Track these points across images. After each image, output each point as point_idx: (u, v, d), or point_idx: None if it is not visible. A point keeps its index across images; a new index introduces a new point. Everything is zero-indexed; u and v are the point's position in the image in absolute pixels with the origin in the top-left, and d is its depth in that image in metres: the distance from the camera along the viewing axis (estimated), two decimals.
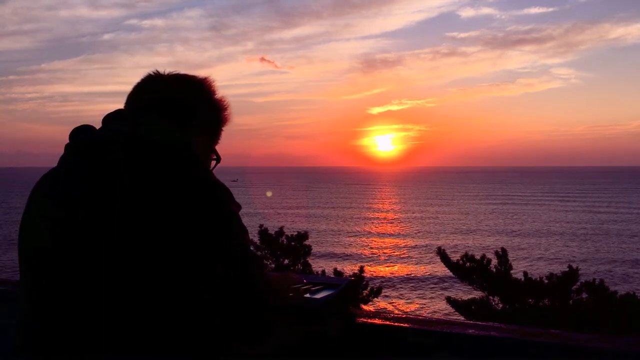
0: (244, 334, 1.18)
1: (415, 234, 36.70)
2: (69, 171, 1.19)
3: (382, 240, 33.86)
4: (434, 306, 17.81)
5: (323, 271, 9.88)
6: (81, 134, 1.21)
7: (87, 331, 1.08)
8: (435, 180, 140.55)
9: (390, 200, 70.82)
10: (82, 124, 1.25)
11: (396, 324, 1.50)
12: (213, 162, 1.41)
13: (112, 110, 1.29)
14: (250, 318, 1.17)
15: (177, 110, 1.28)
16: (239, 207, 1.23)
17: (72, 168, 1.18)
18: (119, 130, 1.18)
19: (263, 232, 9.75)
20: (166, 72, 1.34)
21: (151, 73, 1.34)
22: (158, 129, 1.20)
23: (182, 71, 1.37)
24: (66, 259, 1.10)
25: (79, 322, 1.09)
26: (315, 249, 11.30)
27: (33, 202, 1.21)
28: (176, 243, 1.08)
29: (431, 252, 23.33)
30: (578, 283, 7.60)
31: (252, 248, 1.25)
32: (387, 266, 25.09)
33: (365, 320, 1.52)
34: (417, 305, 18.26)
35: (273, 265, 9.34)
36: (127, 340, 1.07)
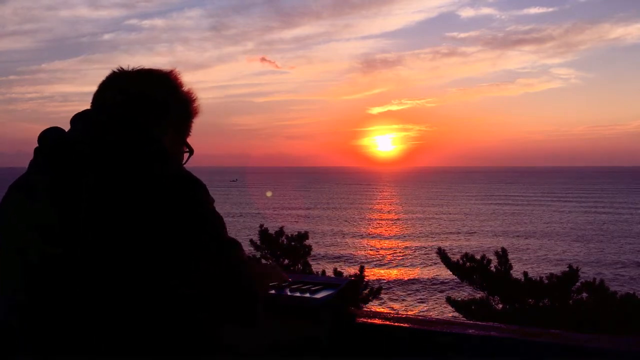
0: (234, 321, 1.19)
1: (416, 235, 36.51)
2: (37, 172, 1.19)
3: (382, 242, 33.68)
4: (435, 311, 17.76)
5: (323, 271, 9.87)
6: (47, 136, 1.21)
7: (67, 332, 1.08)
8: (435, 180, 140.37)
9: (390, 201, 70.73)
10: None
11: (396, 324, 1.50)
12: (186, 155, 1.40)
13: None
14: (239, 306, 1.17)
15: (141, 105, 1.26)
16: (212, 200, 1.22)
17: (39, 170, 1.18)
18: (83, 130, 1.18)
19: (263, 232, 9.74)
20: (129, 68, 1.32)
21: (115, 70, 1.31)
22: (122, 126, 1.19)
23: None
24: (40, 259, 1.11)
25: (58, 323, 1.09)
26: (315, 251, 11.27)
27: (9, 203, 1.21)
28: (148, 240, 1.08)
29: (432, 254, 23.27)
30: (578, 283, 7.59)
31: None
32: (388, 269, 24.96)
33: (365, 320, 1.52)
34: (419, 310, 18.22)
35: None
36: (108, 339, 1.07)
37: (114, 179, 1.10)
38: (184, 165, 1.39)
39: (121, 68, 1.31)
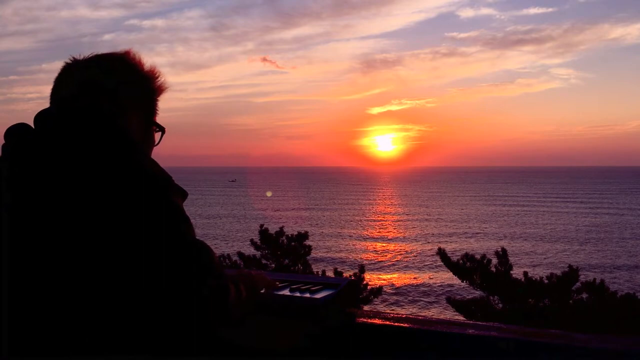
0: (201, 321, 1.13)
1: (417, 237, 36.22)
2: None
3: (383, 244, 33.50)
4: (435, 311, 17.74)
5: (323, 271, 9.88)
6: (12, 131, 1.19)
7: (61, 331, 1.06)
8: (435, 180, 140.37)
9: (390, 202, 70.71)
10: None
11: (396, 324, 1.49)
12: (158, 135, 1.36)
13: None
14: (204, 305, 1.12)
15: (98, 94, 1.22)
16: (185, 194, 1.19)
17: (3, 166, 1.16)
18: (46, 126, 1.16)
19: (263, 232, 9.74)
20: (81, 57, 1.28)
21: (67, 61, 1.28)
22: (82, 118, 1.16)
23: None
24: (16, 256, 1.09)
25: (50, 322, 1.06)
26: (315, 253, 11.24)
27: None
28: (126, 235, 1.05)
29: (433, 256, 23.18)
30: (578, 283, 7.60)
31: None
32: (388, 272, 24.78)
33: (365, 320, 1.52)
34: (419, 311, 18.20)
35: (273, 265, 9.34)
36: (102, 339, 1.05)
37: (83, 174, 1.08)
38: (159, 144, 1.37)
39: (73, 58, 1.28)
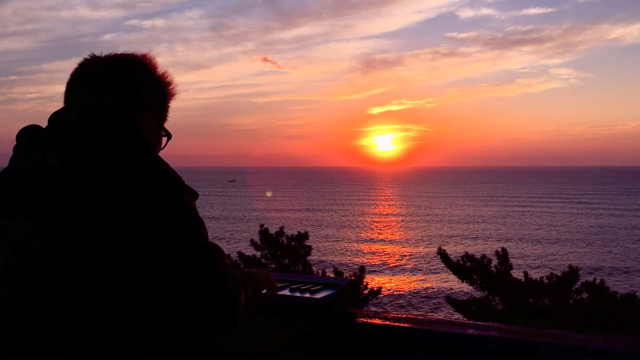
0: (210, 325, 1.12)
1: (418, 238, 35.98)
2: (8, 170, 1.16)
3: (383, 246, 33.25)
4: (435, 312, 17.71)
5: (323, 271, 9.87)
6: (27, 132, 1.18)
7: (59, 332, 1.05)
8: (435, 180, 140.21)
9: (391, 202, 70.61)
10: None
11: (396, 324, 1.49)
12: (164, 140, 1.37)
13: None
14: (215, 309, 1.11)
15: (114, 95, 1.22)
16: (195, 195, 1.18)
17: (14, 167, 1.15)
18: (61, 127, 1.15)
19: (263, 232, 9.73)
20: (102, 54, 1.28)
21: (86, 57, 1.28)
22: (97, 120, 1.15)
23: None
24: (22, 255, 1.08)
25: (49, 322, 1.05)
26: (314, 254, 11.22)
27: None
28: (134, 238, 1.04)
29: (433, 258, 23.09)
30: (578, 283, 7.59)
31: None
32: (389, 275, 24.64)
33: (365, 320, 1.52)
34: (419, 311, 18.17)
35: (273, 266, 9.34)
36: (101, 340, 1.04)
37: (97, 174, 1.07)
38: (163, 149, 1.37)
39: (93, 54, 1.28)
